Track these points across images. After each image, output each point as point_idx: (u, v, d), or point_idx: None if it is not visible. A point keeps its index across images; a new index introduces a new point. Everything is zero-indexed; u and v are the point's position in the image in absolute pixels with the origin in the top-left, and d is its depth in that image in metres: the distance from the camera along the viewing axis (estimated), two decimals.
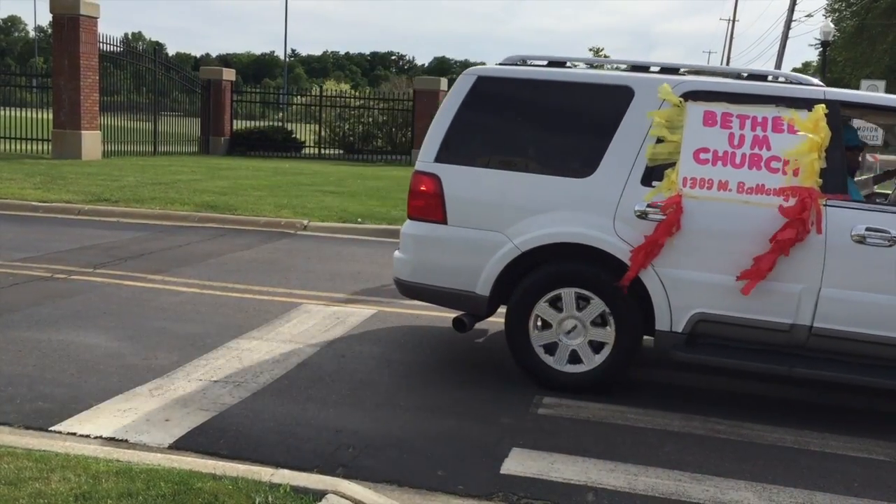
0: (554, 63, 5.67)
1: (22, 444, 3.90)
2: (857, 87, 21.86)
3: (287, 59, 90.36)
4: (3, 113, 22.35)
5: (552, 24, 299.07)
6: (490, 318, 7.12)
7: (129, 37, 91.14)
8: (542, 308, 5.24)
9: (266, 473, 3.64)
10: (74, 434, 4.30)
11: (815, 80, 5.42)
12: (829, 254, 4.83)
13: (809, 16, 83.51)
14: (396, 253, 5.80)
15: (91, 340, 5.98)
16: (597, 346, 5.21)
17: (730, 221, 4.96)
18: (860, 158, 7.20)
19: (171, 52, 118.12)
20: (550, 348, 5.28)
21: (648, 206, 5.03)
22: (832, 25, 32.13)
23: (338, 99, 29.53)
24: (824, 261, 4.84)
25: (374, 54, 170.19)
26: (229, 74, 27.93)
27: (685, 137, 5.02)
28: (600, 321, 5.18)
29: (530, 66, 5.68)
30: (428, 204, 5.48)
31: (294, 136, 28.85)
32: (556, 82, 5.44)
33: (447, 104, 5.57)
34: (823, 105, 4.91)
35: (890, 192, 6.77)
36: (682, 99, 5.07)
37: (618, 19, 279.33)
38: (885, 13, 33.61)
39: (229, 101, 27.43)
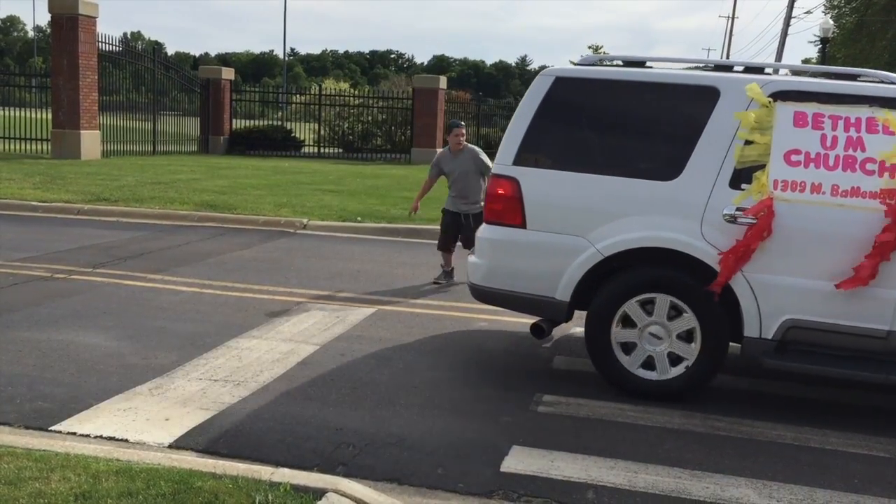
0: (631, 63, 5.56)
1: (22, 443, 3.90)
2: None
3: (286, 58, 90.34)
4: (2, 113, 22.35)
5: (552, 22, 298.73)
6: (490, 317, 7.12)
7: (128, 36, 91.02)
8: (626, 312, 5.11)
9: (266, 472, 3.64)
10: (74, 434, 4.30)
11: None
12: None
13: (809, 12, 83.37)
14: (471, 257, 5.71)
15: (91, 340, 5.98)
16: (677, 358, 5.09)
17: (823, 225, 4.82)
18: None
19: (170, 51, 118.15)
20: (633, 354, 5.15)
21: (738, 209, 4.90)
22: (831, 22, 32.08)
23: (337, 98, 29.50)
24: None
25: (373, 53, 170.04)
26: (228, 73, 27.92)
27: (775, 139, 4.88)
28: (687, 329, 5.05)
29: (607, 66, 5.57)
30: (506, 208, 5.37)
31: (293, 135, 28.85)
32: (639, 83, 5.31)
33: (524, 106, 5.45)
34: None
35: None
36: (770, 99, 4.94)
37: (617, 17, 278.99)
38: (884, 9, 33.57)
39: (228, 101, 27.42)
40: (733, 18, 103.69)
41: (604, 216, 5.16)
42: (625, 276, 5.15)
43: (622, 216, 5.12)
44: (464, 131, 8.53)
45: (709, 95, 5.10)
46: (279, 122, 31.60)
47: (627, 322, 5.15)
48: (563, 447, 4.41)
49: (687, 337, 5.07)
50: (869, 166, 4.77)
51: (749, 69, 5.42)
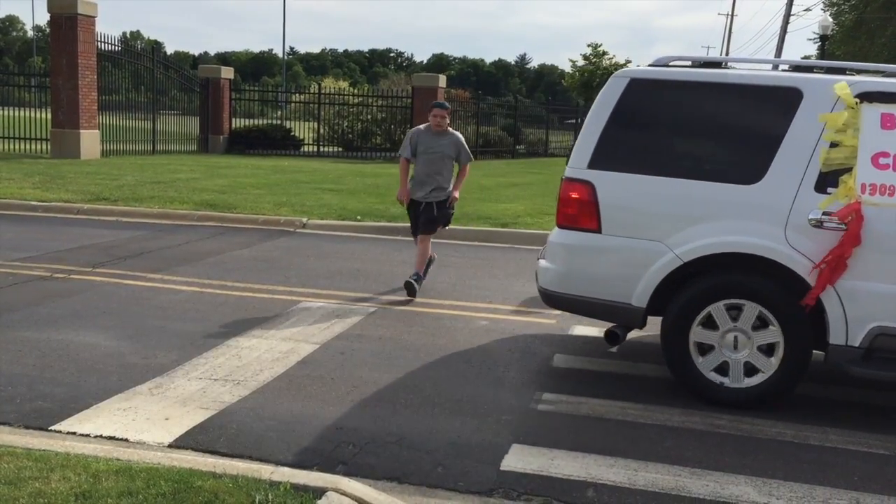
0: (708, 64, 5.49)
1: (22, 443, 3.89)
2: None
3: (285, 57, 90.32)
4: (1, 113, 22.33)
5: (550, 20, 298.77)
6: (490, 316, 7.12)
7: (128, 36, 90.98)
8: (710, 313, 5.00)
9: (266, 471, 3.64)
10: (74, 433, 4.30)
11: None
12: None
13: (808, 10, 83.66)
14: (542, 262, 5.60)
15: (90, 340, 5.98)
16: (753, 368, 5.00)
17: None
18: None
19: (169, 50, 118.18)
20: (708, 357, 5.06)
21: (824, 214, 4.78)
22: (831, 19, 32.07)
23: (336, 96, 29.50)
24: None
25: (372, 51, 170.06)
26: (228, 73, 27.92)
27: (862, 141, 4.77)
28: (769, 342, 4.95)
29: (683, 67, 5.46)
30: (581, 212, 5.27)
31: (293, 134, 28.84)
32: (718, 84, 5.21)
33: (598, 108, 5.34)
34: None
35: None
36: (857, 100, 4.82)
37: (616, 15, 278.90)
38: (883, 7, 33.55)
39: (228, 100, 27.41)
40: (732, 16, 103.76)
41: (683, 221, 5.05)
42: (716, 277, 5.02)
43: (702, 221, 5.02)
44: (446, 114, 8.02)
45: (791, 97, 4.98)
46: (278, 122, 31.59)
47: (709, 324, 5.04)
48: (563, 445, 4.41)
49: (767, 350, 4.96)
50: None
51: (831, 70, 5.28)
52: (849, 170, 4.79)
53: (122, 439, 4.25)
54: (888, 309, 4.76)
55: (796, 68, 5.49)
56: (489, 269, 9.45)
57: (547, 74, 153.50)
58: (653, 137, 5.33)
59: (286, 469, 3.76)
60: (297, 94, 32.20)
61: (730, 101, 5.19)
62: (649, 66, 5.54)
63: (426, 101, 25.79)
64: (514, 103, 36.10)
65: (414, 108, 26.15)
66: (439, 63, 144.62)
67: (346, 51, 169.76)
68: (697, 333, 5.05)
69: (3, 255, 8.93)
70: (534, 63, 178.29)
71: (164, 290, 7.70)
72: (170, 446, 4.20)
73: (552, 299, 5.56)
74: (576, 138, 5.52)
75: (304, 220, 12.16)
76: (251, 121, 30.39)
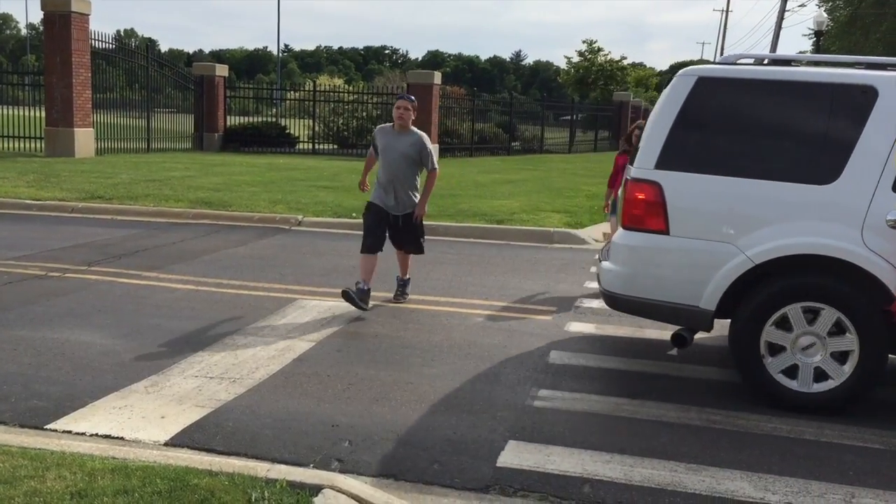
0: (777, 62, 5.40)
1: (17, 442, 3.89)
2: None
3: (280, 55, 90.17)
4: None
5: (545, 17, 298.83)
6: (486, 312, 7.13)
7: (122, 34, 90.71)
8: (786, 314, 4.92)
9: (262, 469, 3.64)
10: (70, 432, 4.29)
11: None
12: None
13: (803, 5, 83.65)
14: (606, 264, 5.50)
15: (86, 338, 5.97)
16: (822, 374, 4.93)
17: None
18: None
19: (163, 48, 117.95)
20: (778, 358, 4.99)
21: None
22: (825, 15, 32.15)
23: (331, 94, 29.44)
24: None
25: (367, 48, 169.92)
26: (222, 70, 27.84)
27: None
28: (844, 350, 4.87)
29: (752, 66, 5.38)
30: (648, 213, 5.17)
31: (288, 131, 28.78)
32: (790, 82, 5.09)
33: (664, 107, 5.24)
34: None
35: None
36: None
37: (611, 11, 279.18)
38: (877, 2, 33.59)
39: (222, 97, 27.35)
40: (727, 12, 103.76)
41: (754, 222, 4.96)
42: (796, 278, 4.93)
43: (774, 222, 4.93)
44: (410, 107, 7.12)
45: (867, 95, 4.91)
46: (273, 119, 31.53)
47: (783, 324, 4.95)
48: (559, 441, 4.41)
49: (840, 358, 4.89)
50: None
51: None
52: None
53: (117, 438, 4.24)
54: None
55: (870, 66, 5.33)
56: (485, 265, 9.45)
57: (542, 71, 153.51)
58: (722, 137, 5.19)
59: (282, 466, 3.76)
60: (292, 92, 32.12)
61: (803, 99, 5.07)
62: (716, 63, 5.46)
63: (421, 98, 25.81)
64: (509, 100, 36.10)
65: None
66: (434, 60, 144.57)
67: (341, 48, 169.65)
68: (770, 333, 4.97)
69: None
70: (529, 60, 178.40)
71: (160, 288, 7.68)
72: (166, 444, 4.19)
73: (615, 302, 5.44)
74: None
75: (300, 217, 12.15)
76: (246, 118, 30.33)
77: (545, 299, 7.79)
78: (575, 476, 4.00)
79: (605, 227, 11.64)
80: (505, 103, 35.37)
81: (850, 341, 4.85)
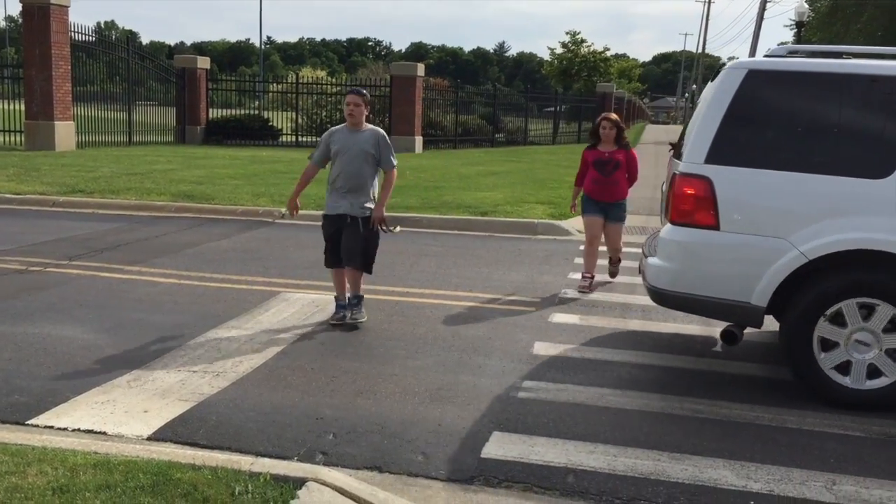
0: (827, 54, 5.33)
1: None
2: None
3: (262, 47, 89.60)
4: None
5: (529, 8, 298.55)
6: (470, 304, 7.13)
7: (102, 26, 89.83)
8: (841, 309, 4.86)
9: (246, 462, 3.63)
10: (52, 427, 4.26)
11: None
12: None
13: None
14: (653, 259, 5.41)
15: (67, 333, 5.93)
16: (876, 370, 4.88)
17: None
18: None
19: (144, 40, 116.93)
20: (831, 353, 4.92)
21: None
22: (807, 6, 32.24)
23: (314, 86, 29.32)
24: None
25: (350, 40, 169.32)
26: (204, 62, 27.65)
27: None
28: None
29: (802, 59, 5.29)
30: (697, 208, 5.09)
31: (271, 124, 28.65)
32: (844, 75, 4.99)
33: (714, 101, 5.14)
34: None
35: None
36: None
37: (593, 2, 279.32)
38: None
39: (205, 90, 27.17)
40: (710, 3, 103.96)
41: (807, 217, 4.89)
42: (851, 274, 4.88)
43: (827, 217, 4.85)
44: (361, 102, 6.45)
45: None
46: (256, 112, 31.38)
47: (837, 320, 4.89)
48: (543, 432, 4.42)
49: (895, 355, 4.86)
50: None
51: None
52: None
53: (100, 432, 4.22)
54: None
55: None
56: (469, 257, 9.45)
57: (526, 62, 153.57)
58: (774, 131, 5.08)
59: (266, 460, 3.75)
60: (275, 84, 31.93)
61: (857, 92, 4.98)
62: (765, 56, 5.40)
63: (404, 90, 25.78)
64: (492, 91, 36.05)
65: (392, 97, 26.05)
66: (418, 52, 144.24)
67: (323, 40, 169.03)
68: (823, 328, 4.91)
69: None
70: (512, 51, 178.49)
71: (142, 282, 7.63)
72: (149, 439, 4.17)
73: (663, 298, 5.37)
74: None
75: (283, 210, 12.08)
76: (228, 111, 30.14)
77: (529, 291, 7.80)
78: (559, 466, 4.01)
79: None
80: (489, 95, 35.34)
81: None
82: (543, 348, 5.97)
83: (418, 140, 26.01)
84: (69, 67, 20.23)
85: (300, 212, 7.07)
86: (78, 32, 20.93)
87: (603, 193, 7.86)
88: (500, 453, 4.14)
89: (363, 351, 5.76)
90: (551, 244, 10.62)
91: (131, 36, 37.36)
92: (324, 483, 3.50)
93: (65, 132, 20.21)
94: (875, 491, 3.88)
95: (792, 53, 5.40)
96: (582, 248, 8.79)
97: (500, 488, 3.81)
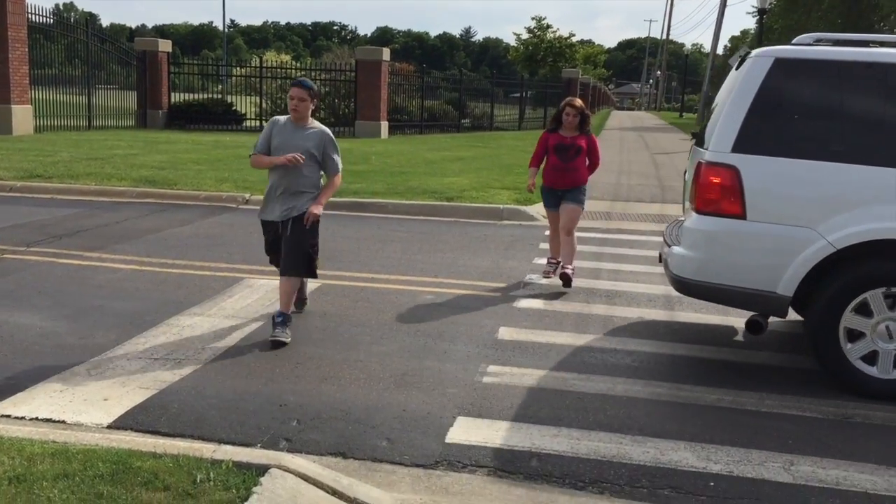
0: (853, 43, 5.28)
1: None
2: None
3: (226, 30, 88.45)
4: None
5: None
6: (435, 290, 7.13)
7: (61, 7, 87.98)
8: (866, 299, 4.85)
9: (208, 450, 3.60)
10: (8, 416, 4.19)
11: None
12: None
13: None
14: (677, 249, 5.36)
15: (25, 321, 5.82)
16: None
17: None
18: None
19: (104, 22, 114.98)
20: (858, 344, 4.91)
21: None
22: None
23: (279, 70, 29.02)
24: None
25: (315, 24, 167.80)
26: (165, 45, 27.20)
27: None
28: None
29: (828, 47, 5.23)
30: (723, 197, 5.04)
31: (234, 108, 28.29)
32: (872, 63, 4.95)
33: (741, 89, 5.09)
34: None
35: None
36: None
37: None
38: None
39: (166, 74, 26.74)
40: None
41: (835, 206, 4.85)
42: (876, 263, 4.87)
43: (855, 206, 4.83)
44: (307, 96, 5.69)
45: None
46: (220, 96, 30.95)
47: (862, 310, 4.89)
48: (507, 417, 4.44)
49: None
50: None
51: None
52: None
53: (58, 421, 4.15)
54: None
55: None
56: (434, 243, 9.44)
57: (492, 48, 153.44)
58: (800, 119, 5.05)
59: (228, 447, 3.72)
60: (239, 68, 31.52)
61: (886, 80, 4.95)
62: (792, 44, 5.38)
63: (370, 75, 25.61)
64: (459, 77, 35.94)
65: (358, 81, 25.87)
66: (384, 36, 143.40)
67: (288, 24, 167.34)
68: (848, 319, 4.91)
69: None
70: (479, 37, 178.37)
71: (102, 268, 7.52)
72: (109, 427, 4.12)
73: (688, 287, 5.32)
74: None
75: (247, 196, 11.98)
76: (191, 95, 29.72)
77: (494, 276, 7.82)
78: (523, 450, 4.04)
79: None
80: (455, 80, 35.24)
81: None
82: (508, 333, 5.99)
83: (384, 125, 25.88)
84: (26, 50, 19.80)
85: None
86: (35, 14, 20.47)
87: (562, 180, 7.68)
88: (464, 438, 4.15)
89: (328, 337, 5.73)
90: (517, 229, 10.64)
91: (91, 18, 36.71)
92: (287, 469, 3.48)
93: (22, 116, 19.80)
94: (832, 471, 3.95)
95: (818, 41, 5.38)
96: (547, 233, 8.81)
97: (465, 472, 3.83)
